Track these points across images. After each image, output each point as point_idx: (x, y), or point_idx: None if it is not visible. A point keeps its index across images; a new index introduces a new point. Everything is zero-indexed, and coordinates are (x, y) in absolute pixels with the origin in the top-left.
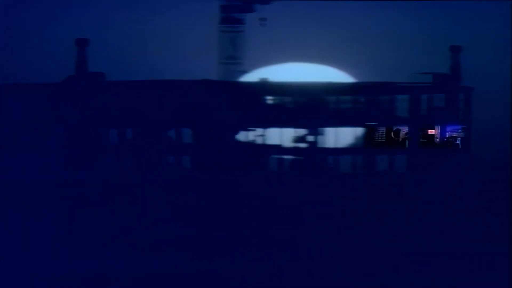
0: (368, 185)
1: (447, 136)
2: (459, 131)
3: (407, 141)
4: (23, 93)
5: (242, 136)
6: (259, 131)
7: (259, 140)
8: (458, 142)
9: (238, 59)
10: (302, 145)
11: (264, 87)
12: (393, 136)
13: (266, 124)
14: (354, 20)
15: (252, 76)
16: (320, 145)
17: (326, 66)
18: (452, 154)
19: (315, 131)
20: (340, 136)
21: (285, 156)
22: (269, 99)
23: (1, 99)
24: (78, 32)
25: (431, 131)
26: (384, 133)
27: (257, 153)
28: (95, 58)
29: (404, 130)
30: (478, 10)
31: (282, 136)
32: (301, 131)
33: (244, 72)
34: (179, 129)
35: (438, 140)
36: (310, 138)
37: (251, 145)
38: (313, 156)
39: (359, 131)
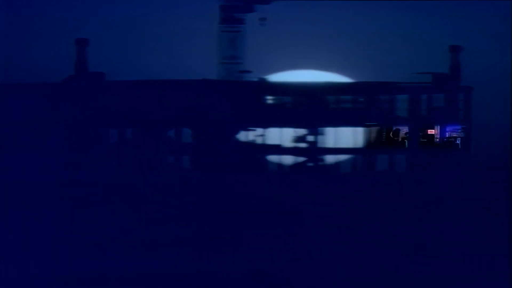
0: (367, 185)
1: (447, 136)
2: (459, 131)
3: (407, 141)
4: (23, 93)
5: (242, 136)
6: (259, 131)
7: (259, 140)
8: (458, 142)
9: (238, 59)
10: (302, 145)
11: (264, 87)
12: (393, 136)
13: (266, 124)
14: (354, 20)
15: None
16: (320, 145)
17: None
18: (452, 154)
19: (315, 131)
20: (340, 136)
21: (285, 156)
22: (269, 99)
23: (1, 99)
24: (78, 32)
25: (431, 131)
26: (384, 133)
27: (257, 153)
28: (95, 58)
29: (404, 130)
30: (478, 10)
31: (282, 136)
32: (301, 131)
33: (245, 72)
34: (179, 129)
35: (438, 140)
36: (310, 138)
37: (251, 145)
38: (312, 156)
39: (359, 131)
